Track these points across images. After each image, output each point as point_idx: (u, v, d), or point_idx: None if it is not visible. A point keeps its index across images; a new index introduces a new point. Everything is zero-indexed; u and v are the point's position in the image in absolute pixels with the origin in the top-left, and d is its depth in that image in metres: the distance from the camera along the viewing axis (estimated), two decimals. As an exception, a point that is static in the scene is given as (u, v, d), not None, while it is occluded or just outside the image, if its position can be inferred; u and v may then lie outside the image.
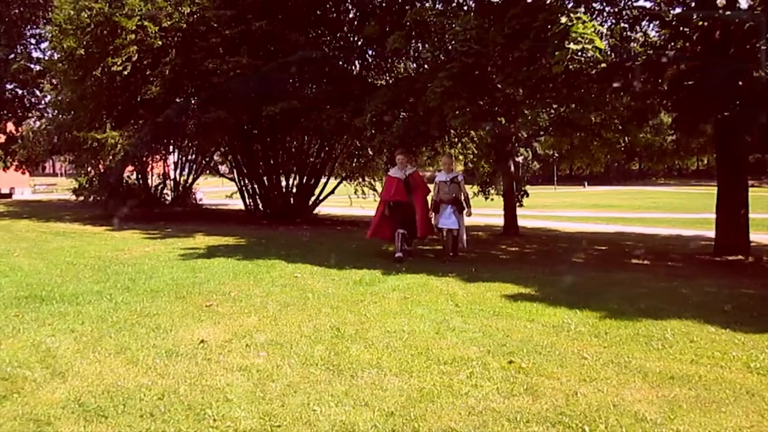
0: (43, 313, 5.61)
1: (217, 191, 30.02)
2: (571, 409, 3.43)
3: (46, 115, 26.18)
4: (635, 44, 11.60)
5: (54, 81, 20.21)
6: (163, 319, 5.46)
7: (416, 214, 9.18)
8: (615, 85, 10.12)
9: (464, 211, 9.03)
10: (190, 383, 3.82)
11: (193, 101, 17.46)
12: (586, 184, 57.65)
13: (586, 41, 7.89)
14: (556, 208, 26.89)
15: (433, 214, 9.18)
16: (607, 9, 11.01)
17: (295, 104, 14.16)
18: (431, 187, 9.50)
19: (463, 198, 9.03)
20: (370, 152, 16.87)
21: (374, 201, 14.78)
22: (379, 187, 16.97)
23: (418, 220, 9.17)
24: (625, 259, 9.98)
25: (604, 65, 9.17)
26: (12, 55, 24.17)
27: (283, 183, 17.80)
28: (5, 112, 26.04)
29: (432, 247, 10.52)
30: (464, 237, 9.26)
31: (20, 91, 26.52)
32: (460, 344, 4.69)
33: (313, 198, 18.04)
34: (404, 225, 9.11)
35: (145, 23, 14.41)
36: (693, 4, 10.24)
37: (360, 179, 18.74)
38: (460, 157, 16.75)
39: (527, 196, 15.13)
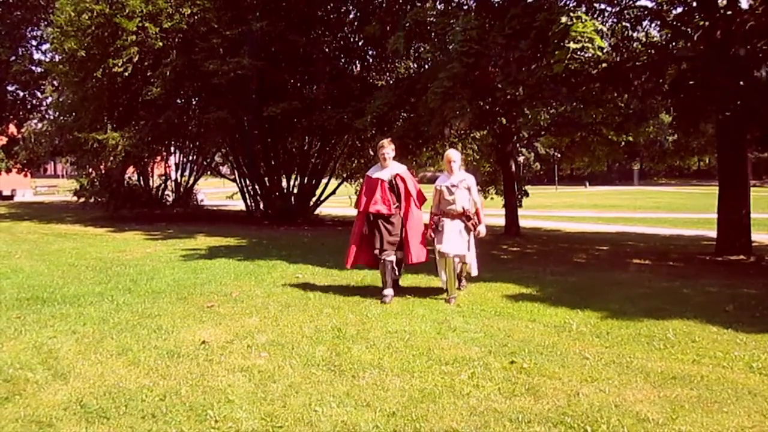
0: (44, 315, 5.62)
1: (218, 192, 30.03)
2: (572, 409, 3.43)
3: (47, 116, 26.24)
4: (637, 44, 11.61)
5: (55, 82, 20.29)
6: (165, 320, 5.46)
7: (406, 231, 6.41)
8: (616, 84, 10.12)
9: (476, 229, 6.36)
10: (191, 384, 3.82)
11: (194, 102, 17.51)
12: (587, 184, 57.59)
13: (586, 40, 7.90)
14: (557, 208, 26.88)
15: (432, 232, 6.43)
16: (608, 9, 11.01)
17: (296, 105, 14.19)
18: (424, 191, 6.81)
19: (474, 211, 6.40)
20: (371, 152, 16.90)
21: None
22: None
23: (409, 239, 6.39)
24: (626, 259, 9.97)
25: (605, 65, 9.17)
26: (13, 57, 24.22)
27: (284, 184, 17.83)
28: (7, 114, 26.08)
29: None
30: (475, 263, 6.61)
31: (22, 93, 26.60)
32: (461, 344, 4.69)
33: (314, 199, 18.06)
34: (392, 245, 6.41)
35: (146, 24, 14.43)
36: (694, 4, 10.23)
37: (361, 180, 18.77)
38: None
39: (527, 196, 15.12)
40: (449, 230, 6.23)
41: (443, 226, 6.26)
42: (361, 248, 6.54)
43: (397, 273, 6.57)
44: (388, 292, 6.33)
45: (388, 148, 6.55)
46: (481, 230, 6.36)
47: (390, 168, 6.55)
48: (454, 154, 6.52)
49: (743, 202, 9.99)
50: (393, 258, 6.39)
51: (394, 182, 6.49)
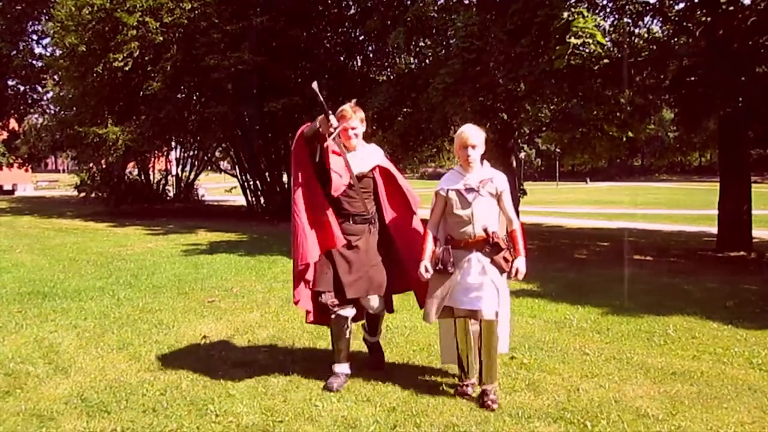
0: (45, 309, 5.63)
1: (218, 187, 30.01)
2: (572, 404, 3.43)
3: (48, 111, 26.22)
4: (638, 40, 11.58)
5: (56, 77, 20.29)
6: (166, 314, 5.47)
7: (401, 254, 3.81)
8: (617, 80, 10.09)
9: (507, 265, 3.53)
10: (192, 379, 3.83)
11: (194, 97, 17.50)
12: (588, 180, 57.54)
13: (587, 35, 7.89)
14: (558, 204, 26.85)
15: (428, 267, 3.56)
16: (609, 5, 10.98)
17: (296, 100, 14.17)
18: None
19: (505, 232, 3.67)
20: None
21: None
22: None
23: (410, 268, 3.71)
24: (627, 256, 9.97)
25: (606, 61, 9.14)
26: (14, 52, 24.19)
27: (285, 179, 17.82)
28: (7, 108, 26.07)
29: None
30: (506, 333, 3.72)
31: (22, 88, 26.58)
32: (461, 340, 4.69)
33: (314, 194, 18.04)
34: (370, 283, 3.71)
35: (147, 19, 14.42)
36: (696, 0, 10.20)
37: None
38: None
39: (525, 195, 15.09)
40: (464, 270, 3.53)
41: (452, 262, 3.52)
42: (318, 286, 3.78)
43: (374, 329, 4.03)
44: (341, 369, 3.78)
45: (355, 120, 3.67)
46: (520, 268, 3.54)
47: (361, 153, 3.76)
48: (473, 134, 3.55)
49: (744, 199, 9.98)
50: (351, 313, 3.78)
51: (371, 177, 3.76)
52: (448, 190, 3.59)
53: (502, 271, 3.52)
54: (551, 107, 12.71)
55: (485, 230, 3.51)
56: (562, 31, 7.98)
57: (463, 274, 3.53)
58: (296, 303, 3.86)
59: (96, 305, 5.81)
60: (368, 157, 3.79)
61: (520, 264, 3.55)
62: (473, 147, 3.52)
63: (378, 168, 3.81)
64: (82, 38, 14.91)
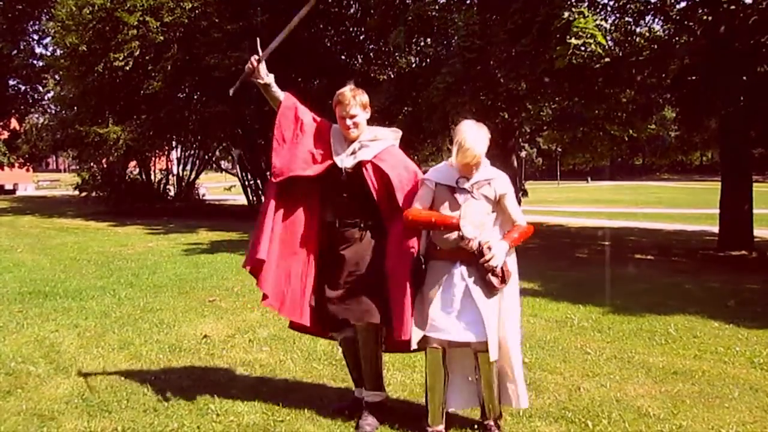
0: (46, 309, 5.63)
1: (219, 186, 30.02)
2: (574, 404, 3.43)
3: (49, 110, 26.24)
4: (639, 38, 11.58)
5: (57, 77, 20.31)
6: (167, 314, 5.47)
7: (388, 279, 2.98)
8: (619, 79, 10.08)
9: (499, 282, 3.00)
10: (193, 378, 3.82)
11: (195, 96, 17.50)
12: (589, 179, 57.46)
13: (587, 36, 7.89)
14: (559, 204, 26.84)
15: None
16: (611, 3, 10.97)
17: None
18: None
19: (508, 244, 3.06)
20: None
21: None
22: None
23: (397, 293, 2.94)
24: (628, 255, 9.96)
25: (607, 60, 9.14)
26: (15, 51, 24.20)
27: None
28: (8, 108, 26.09)
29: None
30: (522, 385, 3.04)
31: (23, 87, 26.60)
32: (462, 339, 4.68)
33: (315, 193, 18.06)
34: (359, 306, 2.99)
35: (147, 18, 14.43)
36: (698, -1, 10.20)
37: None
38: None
39: (526, 195, 15.08)
40: (443, 287, 2.92)
41: (435, 274, 2.95)
42: (296, 301, 3.19)
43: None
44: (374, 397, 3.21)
45: (354, 106, 3.13)
46: (495, 250, 2.91)
47: (359, 144, 3.12)
48: (470, 133, 2.84)
49: (745, 198, 9.97)
50: (348, 334, 3.21)
51: (359, 173, 3.06)
52: (437, 183, 2.94)
53: (492, 290, 2.88)
54: (552, 106, 12.70)
55: (474, 241, 2.85)
56: (563, 31, 7.98)
57: (442, 292, 2.87)
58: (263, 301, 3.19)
59: (97, 305, 5.81)
60: (362, 150, 3.07)
61: (497, 247, 2.88)
62: (471, 143, 2.81)
63: (370, 165, 3.03)
64: (82, 38, 14.93)
